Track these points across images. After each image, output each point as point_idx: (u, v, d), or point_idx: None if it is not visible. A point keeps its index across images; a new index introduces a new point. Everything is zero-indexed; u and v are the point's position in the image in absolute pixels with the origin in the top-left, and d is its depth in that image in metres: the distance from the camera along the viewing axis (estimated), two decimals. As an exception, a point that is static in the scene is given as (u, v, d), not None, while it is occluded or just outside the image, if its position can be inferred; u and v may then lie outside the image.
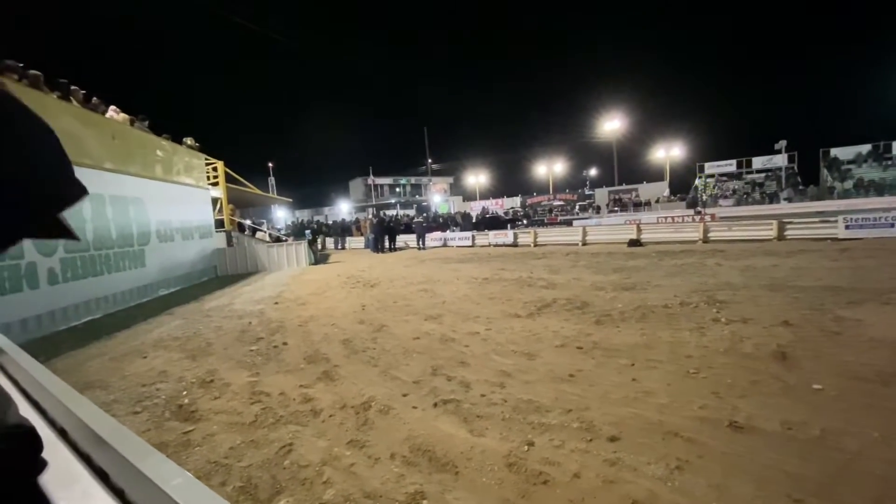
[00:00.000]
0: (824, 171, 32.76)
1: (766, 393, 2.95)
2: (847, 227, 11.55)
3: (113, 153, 8.57)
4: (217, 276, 12.99)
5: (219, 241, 13.83)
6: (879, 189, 28.15)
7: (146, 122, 10.81)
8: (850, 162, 32.41)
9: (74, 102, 8.14)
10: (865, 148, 32.26)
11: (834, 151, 33.21)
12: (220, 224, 14.31)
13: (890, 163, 30.82)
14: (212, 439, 2.80)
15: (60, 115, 7.28)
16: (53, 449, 0.81)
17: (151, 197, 9.74)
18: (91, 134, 8.01)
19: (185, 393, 3.64)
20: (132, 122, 10.06)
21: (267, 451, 2.60)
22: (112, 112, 9.51)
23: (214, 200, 14.21)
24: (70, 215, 0.54)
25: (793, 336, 4.01)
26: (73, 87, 8.36)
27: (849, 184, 30.40)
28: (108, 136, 8.58)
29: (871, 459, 2.15)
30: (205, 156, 13.64)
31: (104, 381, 4.09)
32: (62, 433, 0.89)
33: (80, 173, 0.51)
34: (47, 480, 0.70)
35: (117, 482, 0.69)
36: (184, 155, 12.07)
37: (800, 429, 2.47)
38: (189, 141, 12.97)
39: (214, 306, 7.90)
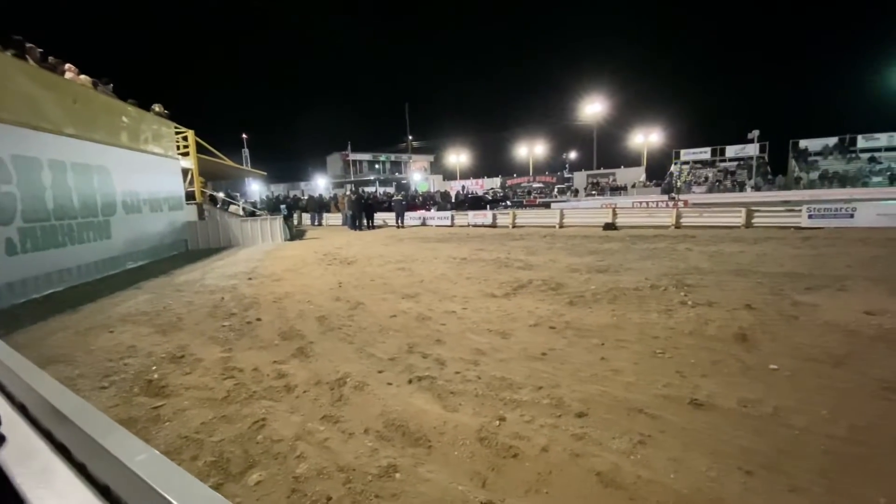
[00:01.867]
0: (792, 162, 33.87)
1: (726, 372, 3.11)
2: (810, 217, 12.05)
3: (74, 118, 8.10)
4: (188, 249, 12.60)
5: (189, 213, 13.38)
6: (842, 181, 29.35)
7: (110, 86, 10.23)
8: (816, 154, 33.57)
9: (31, 61, 7.60)
10: (832, 140, 33.41)
11: (803, 143, 34.30)
12: (190, 196, 13.82)
13: (853, 156, 32.07)
14: (183, 414, 2.77)
15: (16, 74, 6.80)
16: (12, 424, 0.78)
17: (117, 165, 9.29)
18: (50, 96, 7.51)
19: (154, 368, 3.57)
20: (95, 86, 9.48)
21: (240, 426, 2.59)
22: (70, 73, 8.92)
23: (185, 171, 13.68)
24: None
25: (754, 319, 4.21)
26: (29, 45, 7.79)
27: (814, 175, 31.56)
28: (69, 99, 8.09)
29: (818, 435, 2.30)
30: (174, 124, 13.05)
31: (68, 355, 3.96)
32: (21, 409, 0.86)
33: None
34: (6, 455, 0.68)
35: (79, 457, 0.68)
36: (151, 122, 11.51)
37: (755, 406, 2.61)
38: (157, 108, 12.35)
39: (185, 281, 7.70)
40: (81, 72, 9.29)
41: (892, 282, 5.36)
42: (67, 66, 9.02)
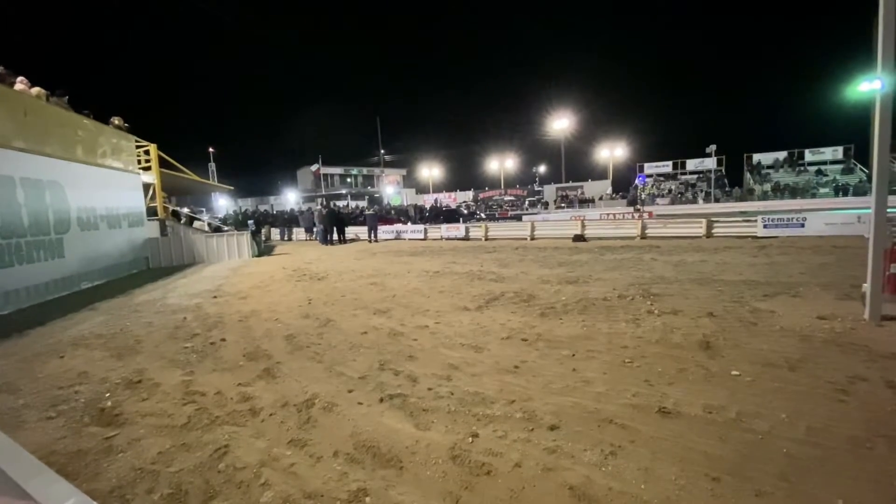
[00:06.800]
0: (747, 175, 35.79)
1: (692, 380, 3.18)
2: (765, 227, 12.68)
3: (25, 131, 7.72)
4: (149, 268, 12.08)
5: (151, 230, 12.87)
6: (793, 192, 31.15)
7: (66, 98, 9.79)
8: (769, 167, 35.67)
9: (-25, 72, 7.22)
10: (782, 154, 35.60)
11: (756, 157, 36.39)
12: (153, 212, 13.31)
13: (802, 168, 34.21)
14: (138, 444, 2.61)
15: (-42, 85, 6.45)
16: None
17: (71, 180, 8.87)
18: (-3, 108, 7.16)
19: (108, 395, 3.37)
20: (48, 98, 9.07)
21: (200, 454, 2.46)
22: (21, 84, 8.51)
23: (147, 186, 13.19)
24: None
25: (716, 326, 4.35)
26: (-27, 55, 7.40)
27: (767, 186, 33.39)
28: (20, 111, 7.71)
29: (779, 438, 2.38)
30: (135, 138, 12.61)
31: (12, 384, 3.69)
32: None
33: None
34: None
35: (2, 505, 0.62)
36: (110, 136, 11.09)
37: (719, 412, 2.68)
38: (117, 121, 11.91)
39: (145, 301, 7.35)
40: (35, 84, 8.88)
41: (841, 287, 5.67)
42: (20, 78, 8.61)
